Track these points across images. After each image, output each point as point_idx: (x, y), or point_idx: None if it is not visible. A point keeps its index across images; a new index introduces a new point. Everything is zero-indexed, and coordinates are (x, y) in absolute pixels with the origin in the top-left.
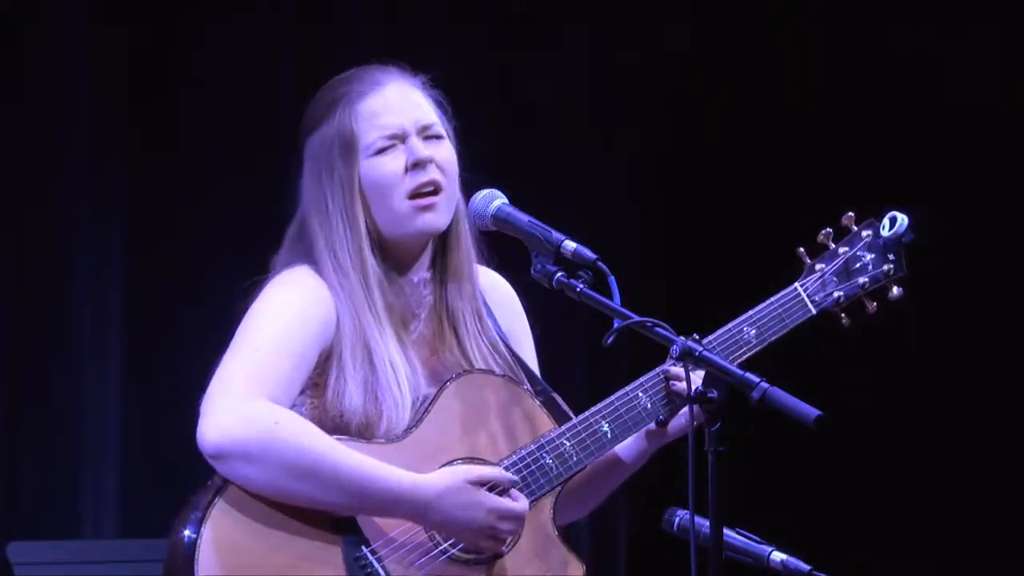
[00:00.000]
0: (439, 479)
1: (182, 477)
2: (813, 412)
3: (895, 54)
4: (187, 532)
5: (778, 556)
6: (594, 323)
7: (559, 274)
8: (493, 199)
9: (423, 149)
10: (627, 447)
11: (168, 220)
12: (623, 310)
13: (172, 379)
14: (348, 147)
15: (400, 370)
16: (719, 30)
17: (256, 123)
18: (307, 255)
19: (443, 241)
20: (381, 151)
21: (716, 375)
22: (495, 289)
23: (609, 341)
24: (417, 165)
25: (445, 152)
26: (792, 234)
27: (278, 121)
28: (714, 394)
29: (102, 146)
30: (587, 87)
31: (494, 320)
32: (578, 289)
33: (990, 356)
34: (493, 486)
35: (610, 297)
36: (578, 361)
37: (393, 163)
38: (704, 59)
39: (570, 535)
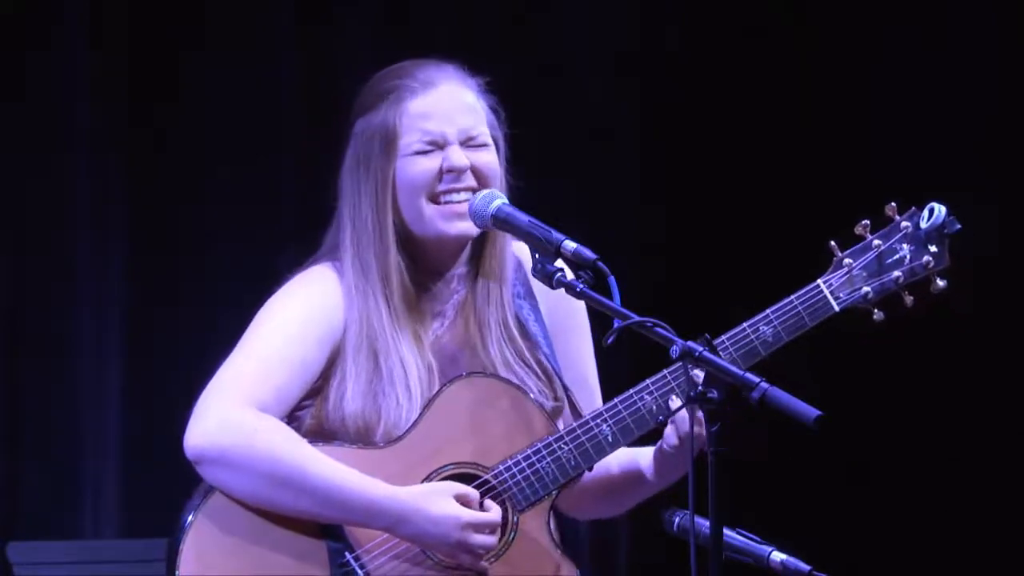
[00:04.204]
0: (412, 493)
1: (182, 477)
2: (813, 412)
3: (895, 52)
4: (174, 535)
5: (778, 556)
6: (594, 323)
7: (559, 274)
8: (493, 199)
9: (461, 157)
10: (649, 466)
11: (168, 220)
12: (623, 310)
13: (172, 380)
14: (388, 143)
15: (412, 370)
16: (720, 26)
17: (256, 123)
18: (337, 247)
19: (481, 242)
20: (418, 153)
21: (716, 375)
22: None
23: (609, 341)
24: (451, 171)
25: (487, 158)
26: (792, 233)
27: (278, 121)
28: (714, 394)
29: (102, 146)
30: (588, 86)
31: (534, 307)
32: (578, 289)
33: (991, 356)
34: (466, 500)
35: (610, 297)
36: None
37: (428, 164)
38: (705, 56)
39: (569, 538)
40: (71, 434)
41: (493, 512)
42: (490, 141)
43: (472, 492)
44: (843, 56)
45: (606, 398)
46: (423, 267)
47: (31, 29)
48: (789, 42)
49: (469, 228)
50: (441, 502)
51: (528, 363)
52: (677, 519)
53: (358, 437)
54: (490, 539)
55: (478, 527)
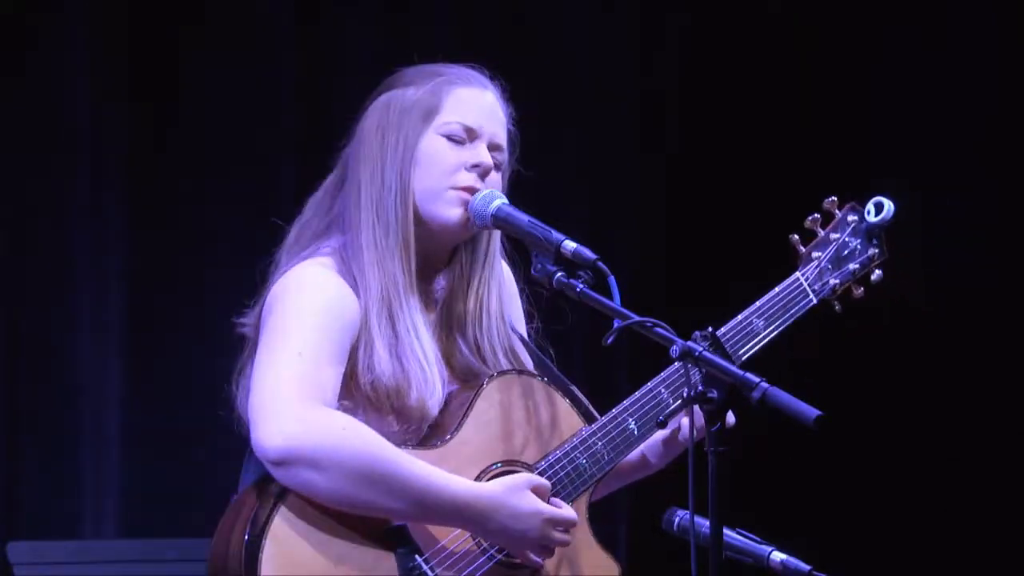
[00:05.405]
0: (493, 488)
1: (182, 478)
2: (813, 412)
3: (895, 52)
4: (247, 540)
5: (778, 556)
6: (594, 323)
7: (559, 274)
8: (493, 199)
9: (488, 156)
10: (656, 451)
11: (168, 220)
12: (623, 310)
13: (172, 379)
14: (427, 114)
15: (424, 340)
16: (720, 24)
17: (256, 123)
18: (341, 216)
19: (472, 248)
20: (450, 136)
21: (716, 375)
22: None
23: (609, 341)
24: (477, 167)
25: (496, 179)
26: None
27: (278, 121)
28: (714, 394)
29: (102, 146)
30: (588, 85)
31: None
32: (578, 289)
33: (991, 356)
34: (542, 492)
35: (610, 297)
36: (578, 361)
37: (455, 152)
38: (704, 53)
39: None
40: (71, 434)
41: (567, 510)
42: (504, 164)
43: (545, 483)
44: (843, 56)
45: (604, 398)
46: (422, 257)
47: (31, 29)
48: (789, 42)
49: (471, 223)
50: (522, 497)
51: (518, 354)
52: (677, 519)
53: (389, 402)
54: (566, 537)
55: (556, 523)
